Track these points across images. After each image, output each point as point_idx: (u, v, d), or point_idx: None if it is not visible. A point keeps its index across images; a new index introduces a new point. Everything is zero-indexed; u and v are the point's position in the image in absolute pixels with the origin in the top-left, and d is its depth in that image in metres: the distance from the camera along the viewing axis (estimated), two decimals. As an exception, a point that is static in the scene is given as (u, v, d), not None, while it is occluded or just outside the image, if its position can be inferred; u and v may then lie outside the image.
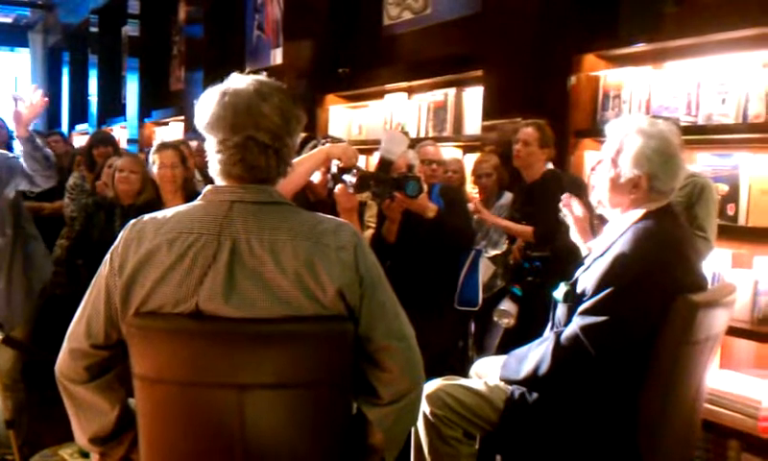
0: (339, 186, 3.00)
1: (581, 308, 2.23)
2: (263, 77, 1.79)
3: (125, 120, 11.23)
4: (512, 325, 3.32)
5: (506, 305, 3.32)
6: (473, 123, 5.16)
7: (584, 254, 2.59)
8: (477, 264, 3.69)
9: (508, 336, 3.54)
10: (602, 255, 2.27)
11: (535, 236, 3.74)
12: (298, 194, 3.12)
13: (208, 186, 1.80)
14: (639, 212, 2.28)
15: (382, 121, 6.13)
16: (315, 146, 3.30)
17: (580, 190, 3.75)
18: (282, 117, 1.75)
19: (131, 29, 11.09)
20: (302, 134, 1.90)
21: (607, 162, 2.34)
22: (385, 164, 3.47)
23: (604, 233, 2.41)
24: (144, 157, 4.65)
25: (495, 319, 3.38)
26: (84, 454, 2.94)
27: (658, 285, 2.15)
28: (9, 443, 3.60)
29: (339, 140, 3.49)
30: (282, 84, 1.80)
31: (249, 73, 1.79)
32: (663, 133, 2.27)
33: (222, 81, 1.78)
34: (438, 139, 5.32)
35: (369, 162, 6.38)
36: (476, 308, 3.67)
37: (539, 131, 3.88)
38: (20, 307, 3.60)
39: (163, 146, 3.88)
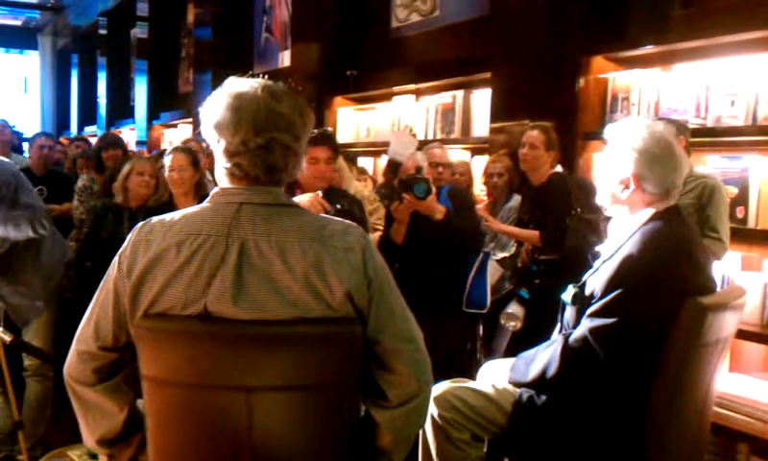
0: None
1: (590, 310, 2.23)
2: (263, 80, 1.79)
3: (133, 122, 11.27)
4: (519, 328, 3.32)
5: (513, 308, 3.32)
6: (481, 125, 5.16)
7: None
8: (485, 266, 3.69)
9: (516, 339, 3.54)
10: (610, 258, 2.27)
11: (541, 240, 3.73)
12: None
13: (216, 188, 1.80)
14: (647, 214, 2.27)
15: (390, 123, 6.13)
16: None
17: (587, 192, 3.75)
18: (301, 117, 1.76)
19: (139, 31, 11.13)
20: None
21: (603, 164, 2.37)
22: (393, 166, 3.48)
23: (612, 236, 2.41)
24: (154, 158, 4.66)
25: (502, 322, 3.38)
26: (93, 456, 2.95)
27: (667, 287, 2.14)
28: (13, 440, 3.63)
29: (325, 133, 3.45)
30: (284, 85, 1.80)
31: (250, 75, 1.79)
32: (655, 135, 2.27)
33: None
34: (446, 141, 5.32)
35: (376, 164, 6.39)
36: (484, 311, 3.67)
37: (544, 134, 3.87)
38: (35, 303, 3.63)
39: (175, 149, 3.90)
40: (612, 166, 2.33)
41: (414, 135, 5.38)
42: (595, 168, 4.24)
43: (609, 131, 2.40)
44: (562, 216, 3.59)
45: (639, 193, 2.28)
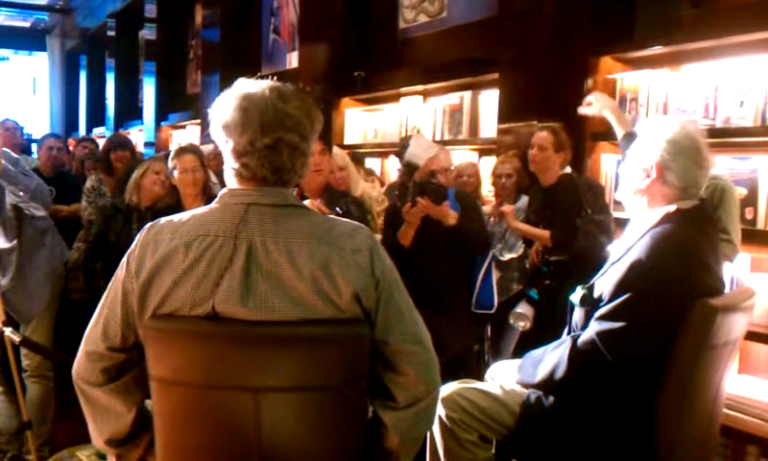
0: None
1: (598, 314, 2.22)
2: (272, 81, 1.79)
3: (142, 123, 11.30)
4: (528, 328, 3.32)
5: (522, 308, 3.32)
6: (489, 126, 5.15)
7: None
8: (491, 268, 3.70)
9: (524, 339, 3.53)
10: (619, 260, 2.26)
11: (552, 240, 3.72)
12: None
13: (224, 189, 1.80)
14: (658, 215, 2.26)
15: (398, 124, 6.13)
16: None
17: (596, 193, 3.75)
18: (308, 117, 1.76)
19: (148, 33, 11.15)
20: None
21: (630, 157, 2.36)
22: (410, 169, 3.48)
23: (622, 237, 2.40)
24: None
25: (511, 322, 3.37)
26: (101, 456, 2.96)
27: (675, 292, 2.13)
28: (19, 440, 3.64)
29: None
30: (292, 86, 1.80)
31: (258, 77, 1.79)
32: (685, 130, 2.26)
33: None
34: (453, 142, 5.32)
35: (384, 165, 6.38)
36: (492, 311, 3.67)
37: (553, 135, 3.85)
38: (36, 300, 3.65)
39: (183, 150, 3.88)
40: (637, 156, 2.32)
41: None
42: (605, 169, 4.23)
43: (641, 124, 2.40)
44: (572, 217, 3.58)
45: (659, 185, 2.26)
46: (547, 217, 3.81)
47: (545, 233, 3.76)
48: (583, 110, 3.39)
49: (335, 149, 4.03)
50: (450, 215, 3.43)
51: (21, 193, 3.43)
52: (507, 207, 4.00)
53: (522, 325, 3.33)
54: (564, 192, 3.74)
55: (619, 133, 3.16)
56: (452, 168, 4.36)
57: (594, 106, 3.31)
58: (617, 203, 3.54)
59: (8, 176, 3.39)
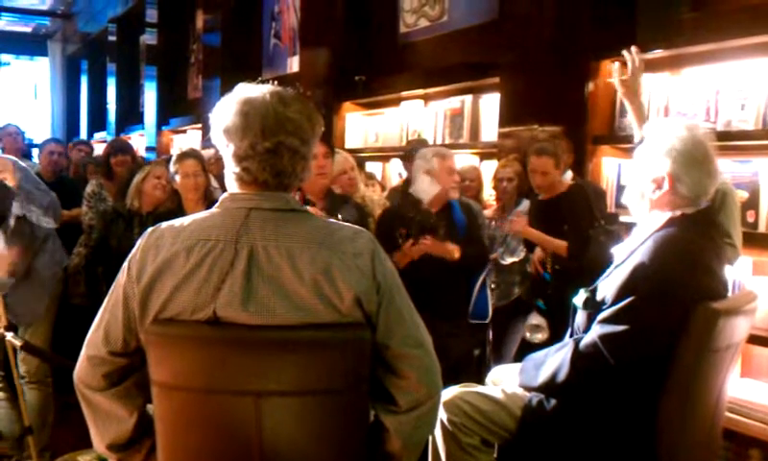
0: None
1: (600, 317, 2.21)
2: (273, 85, 1.79)
3: (143, 128, 11.30)
4: (546, 338, 3.30)
5: (537, 320, 3.31)
6: (490, 130, 5.15)
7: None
8: (487, 279, 3.71)
9: (525, 344, 3.53)
10: (622, 263, 2.25)
11: (568, 251, 3.69)
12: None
13: (225, 194, 1.80)
14: (663, 219, 2.26)
15: (399, 128, 6.13)
16: None
17: (600, 198, 3.74)
18: (309, 121, 1.76)
19: (149, 37, 11.17)
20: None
21: (636, 162, 2.34)
22: (413, 201, 3.50)
23: (626, 241, 2.39)
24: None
25: (528, 334, 3.36)
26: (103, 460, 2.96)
27: (678, 295, 2.12)
28: (21, 447, 3.63)
29: None
30: (293, 91, 1.80)
31: (259, 81, 1.79)
32: (696, 138, 2.25)
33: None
34: (454, 146, 5.32)
35: (385, 169, 6.38)
36: (487, 321, 3.68)
37: (552, 157, 3.78)
38: (35, 304, 3.65)
39: (185, 155, 3.86)
40: (646, 164, 2.30)
41: (423, 141, 5.38)
42: (606, 172, 4.23)
43: (648, 129, 2.37)
44: (584, 228, 3.56)
45: (669, 195, 2.25)
46: (550, 228, 3.77)
47: (562, 244, 3.72)
48: (615, 77, 3.14)
49: (342, 152, 4.04)
50: (454, 250, 3.45)
51: (34, 209, 3.43)
52: (517, 221, 3.94)
53: (539, 337, 3.32)
54: (577, 202, 3.71)
55: (637, 134, 3.01)
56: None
57: (621, 86, 3.00)
58: (620, 206, 3.53)
59: (24, 192, 3.39)
